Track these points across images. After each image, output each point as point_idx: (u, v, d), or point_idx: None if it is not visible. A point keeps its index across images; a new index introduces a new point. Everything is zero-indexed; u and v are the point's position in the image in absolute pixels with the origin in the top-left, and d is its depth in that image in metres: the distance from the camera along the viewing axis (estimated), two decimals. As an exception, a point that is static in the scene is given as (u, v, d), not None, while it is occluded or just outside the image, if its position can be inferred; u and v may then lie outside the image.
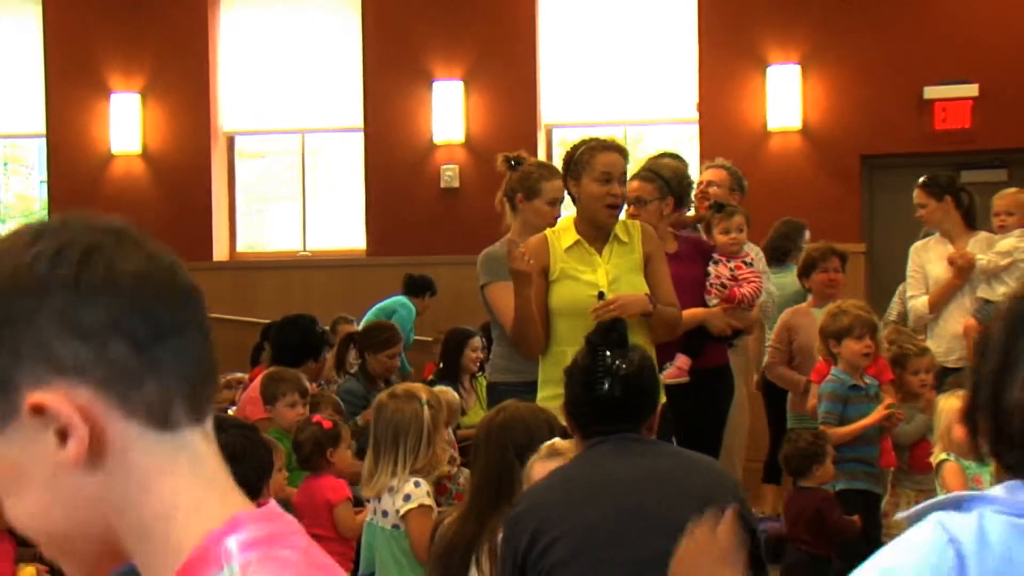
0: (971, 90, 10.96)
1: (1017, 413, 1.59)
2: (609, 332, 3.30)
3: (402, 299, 10.08)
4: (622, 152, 4.96)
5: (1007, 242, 7.04)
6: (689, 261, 5.99)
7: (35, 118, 12.52)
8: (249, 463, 3.44)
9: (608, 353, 3.23)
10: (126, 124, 12.25)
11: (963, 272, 6.84)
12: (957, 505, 1.60)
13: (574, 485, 3.11)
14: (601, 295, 4.63)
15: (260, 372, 6.73)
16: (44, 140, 12.58)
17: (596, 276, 4.85)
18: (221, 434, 3.56)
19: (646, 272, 4.90)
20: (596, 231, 4.87)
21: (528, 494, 3.20)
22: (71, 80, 12.32)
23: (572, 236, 4.90)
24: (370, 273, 11.71)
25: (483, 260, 5.59)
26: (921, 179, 7.27)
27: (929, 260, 7.04)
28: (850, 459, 5.77)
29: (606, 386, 3.17)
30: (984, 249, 7.00)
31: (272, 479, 4.37)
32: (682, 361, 5.80)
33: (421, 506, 4.14)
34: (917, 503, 5.58)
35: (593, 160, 4.80)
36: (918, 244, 7.16)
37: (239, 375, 8.25)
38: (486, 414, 3.72)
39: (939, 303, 6.90)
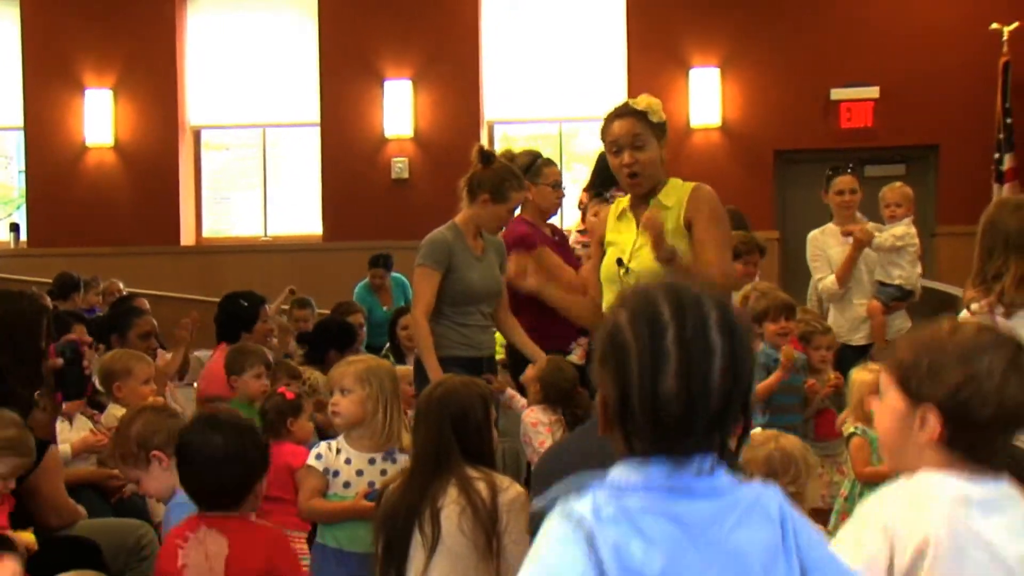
0: (873, 92, 11.07)
1: (674, 400, 1.64)
2: None
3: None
4: (627, 115, 4.29)
5: (899, 228, 7.13)
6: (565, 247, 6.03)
7: (14, 112, 12.36)
8: (240, 465, 3.35)
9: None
10: (99, 118, 12.13)
11: (861, 244, 6.92)
12: (578, 491, 1.70)
13: (573, 454, 3.02)
14: (619, 262, 4.27)
15: (221, 348, 6.66)
16: (22, 133, 12.43)
17: (626, 242, 4.34)
18: (215, 434, 3.51)
19: (691, 235, 4.19)
20: (636, 199, 4.30)
21: (544, 457, 3.16)
22: (47, 77, 12.16)
23: (623, 204, 4.50)
24: (326, 257, 11.66)
25: (425, 242, 5.38)
26: (849, 168, 7.32)
27: (829, 245, 7.10)
28: (777, 427, 5.76)
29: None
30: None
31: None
32: (585, 342, 5.74)
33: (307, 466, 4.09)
34: (823, 467, 5.58)
35: (605, 133, 4.44)
36: (815, 233, 7.19)
37: (205, 351, 8.15)
38: (426, 388, 3.68)
39: (845, 276, 6.97)
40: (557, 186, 5.90)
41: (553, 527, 1.68)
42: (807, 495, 3.68)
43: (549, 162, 5.95)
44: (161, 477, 3.65)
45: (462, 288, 5.27)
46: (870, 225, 7.10)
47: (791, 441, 3.75)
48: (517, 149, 6.10)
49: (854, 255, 6.97)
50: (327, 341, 6.94)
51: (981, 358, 2.06)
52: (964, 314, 4.05)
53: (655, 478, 1.68)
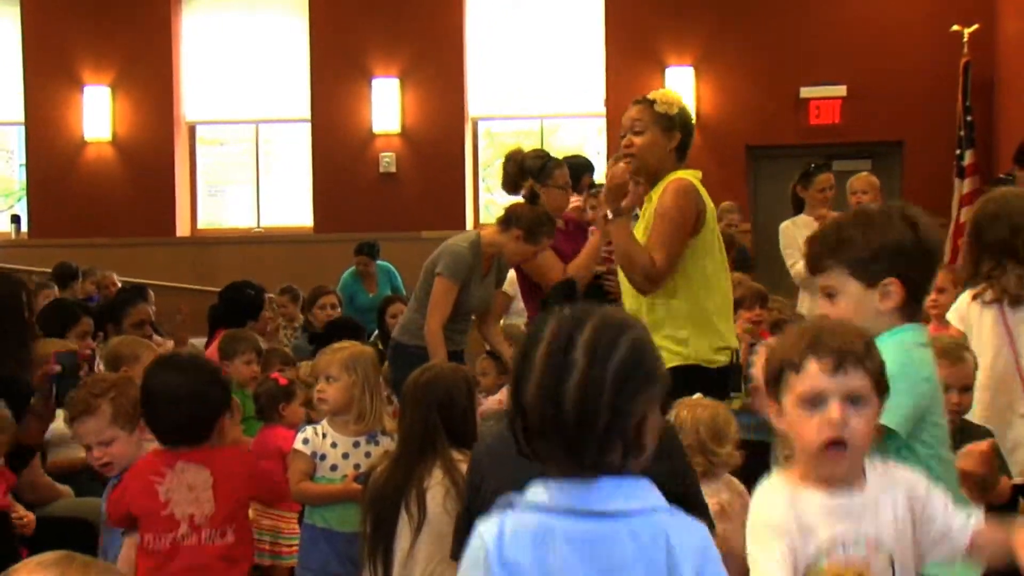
0: (840, 91, 11.09)
1: (533, 411, 1.68)
2: (562, 290, 3.11)
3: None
4: (637, 104, 4.25)
5: None
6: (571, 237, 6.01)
7: (15, 108, 12.28)
8: (201, 403, 3.35)
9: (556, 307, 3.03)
10: (98, 114, 12.06)
11: None
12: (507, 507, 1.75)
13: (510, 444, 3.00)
14: None
15: (218, 336, 6.64)
16: (23, 128, 12.34)
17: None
18: (176, 374, 3.47)
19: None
20: (645, 188, 4.26)
21: (484, 441, 3.12)
22: (47, 74, 12.09)
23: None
24: (316, 247, 11.63)
25: (447, 254, 5.35)
26: (827, 166, 7.46)
27: (800, 235, 7.13)
28: (751, 410, 5.75)
29: None
30: None
31: (225, 427, 4.29)
32: None
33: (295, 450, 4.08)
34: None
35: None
36: (787, 223, 7.28)
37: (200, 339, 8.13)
38: (412, 374, 3.65)
39: None
40: (567, 187, 5.82)
41: (470, 546, 1.75)
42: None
43: (560, 164, 5.83)
44: (131, 443, 3.58)
45: (461, 302, 5.37)
46: (833, 213, 7.13)
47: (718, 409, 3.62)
48: (527, 148, 6.03)
49: None
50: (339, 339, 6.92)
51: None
52: (955, 306, 4.05)
53: (556, 497, 1.70)
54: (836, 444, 2.05)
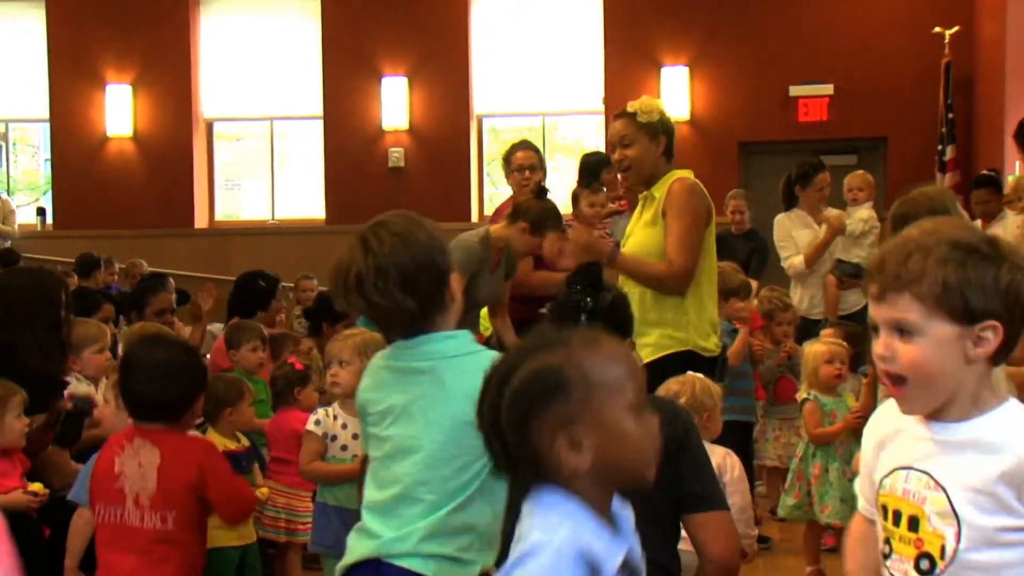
0: (827, 89, 11.08)
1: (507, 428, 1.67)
2: (586, 274, 3.09)
3: None
4: (620, 117, 4.33)
5: (863, 212, 7.15)
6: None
7: (40, 105, 12.29)
8: (176, 382, 3.19)
9: (579, 289, 3.01)
10: (119, 111, 12.06)
11: (836, 231, 6.94)
12: None
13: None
14: (616, 244, 4.29)
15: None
16: (48, 124, 12.37)
17: (628, 229, 4.45)
18: (158, 349, 3.35)
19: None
20: (638, 190, 4.42)
21: None
22: (72, 73, 12.09)
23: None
24: (328, 238, 11.62)
25: (458, 247, 5.22)
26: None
27: (796, 227, 7.11)
28: (735, 392, 5.78)
29: (582, 320, 2.96)
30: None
31: (239, 411, 4.28)
32: None
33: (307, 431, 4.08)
34: (781, 430, 5.60)
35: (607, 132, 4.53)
36: (782, 216, 7.20)
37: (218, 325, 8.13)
38: None
39: (814, 258, 6.98)
40: (520, 170, 5.85)
41: None
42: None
43: (518, 147, 5.93)
44: (120, 417, 3.50)
45: (471, 294, 5.34)
46: (835, 211, 7.10)
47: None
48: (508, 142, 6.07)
49: (828, 240, 6.97)
50: (321, 314, 6.94)
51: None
52: None
53: None
54: (890, 378, 1.78)
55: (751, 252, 7.69)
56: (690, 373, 3.81)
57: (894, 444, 1.85)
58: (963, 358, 1.74)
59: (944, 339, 1.73)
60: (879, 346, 1.78)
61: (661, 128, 4.30)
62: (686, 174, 4.32)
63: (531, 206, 5.34)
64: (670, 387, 3.69)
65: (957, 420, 1.78)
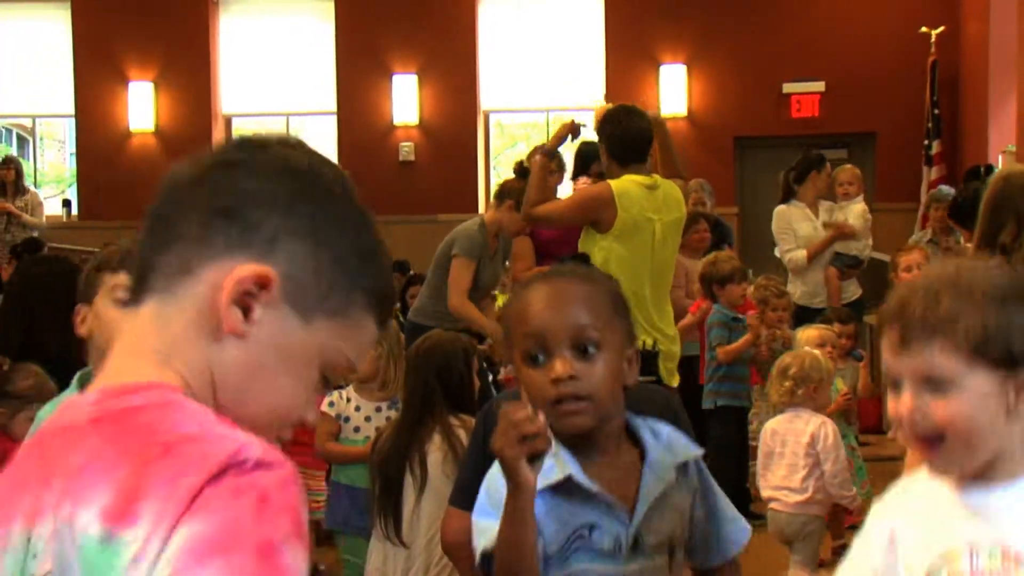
0: (819, 86, 11.07)
1: None
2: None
3: None
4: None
5: (859, 207, 7.09)
6: None
7: (66, 101, 12.29)
8: None
9: None
10: (142, 107, 12.07)
11: (845, 236, 6.89)
12: None
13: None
14: None
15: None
16: (73, 120, 12.39)
17: None
18: None
19: None
20: None
21: (497, 399, 3.14)
22: (96, 70, 12.09)
23: None
24: (342, 229, 11.62)
25: (460, 236, 5.35)
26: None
27: (795, 219, 6.96)
28: (731, 378, 5.77)
29: None
30: (830, 211, 7.02)
31: None
32: None
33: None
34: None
35: None
36: (783, 207, 7.03)
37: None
38: (415, 342, 3.63)
39: (815, 254, 6.88)
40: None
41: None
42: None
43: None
44: None
45: (475, 279, 5.36)
46: (827, 204, 7.03)
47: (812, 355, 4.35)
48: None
49: (832, 240, 6.90)
50: None
51: None
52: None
53: None
54: (922, 440, 1.44)
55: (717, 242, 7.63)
56: (806, 348, 4.36)
57: (926, 527, 1.49)
58: (1006, 410, 1.42)
59: (987, 391, 1.41)
60: (903, 405, 1.44)
61: (603, 136, 4.43)
62: (616, 183, 4.38)
63: (515, 185, 5.33)
64: (784, 360, 4.15)
65: (1009, 480, 1.45)
